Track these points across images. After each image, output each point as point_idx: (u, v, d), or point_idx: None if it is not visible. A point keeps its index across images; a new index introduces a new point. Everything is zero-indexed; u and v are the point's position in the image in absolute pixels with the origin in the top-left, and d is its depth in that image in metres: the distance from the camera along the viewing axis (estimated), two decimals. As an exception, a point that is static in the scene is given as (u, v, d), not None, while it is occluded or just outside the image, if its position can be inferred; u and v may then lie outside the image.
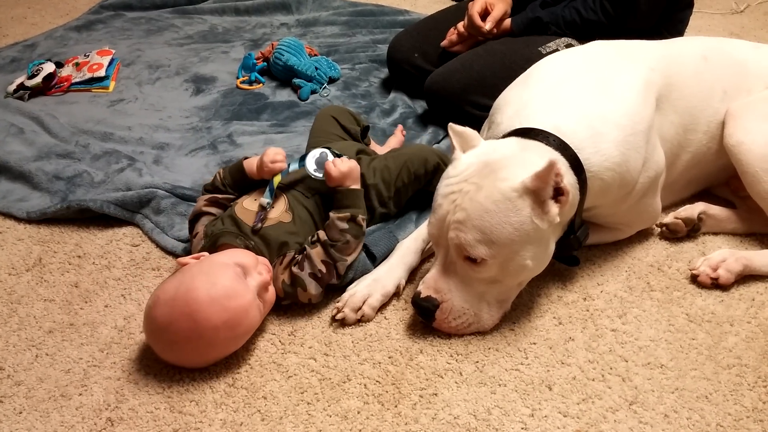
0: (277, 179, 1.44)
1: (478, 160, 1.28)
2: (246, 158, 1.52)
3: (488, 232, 1.22)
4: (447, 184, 1.30)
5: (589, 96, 1.41)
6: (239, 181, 1.51)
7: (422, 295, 1.30)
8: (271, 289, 1.33)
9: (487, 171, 1.25)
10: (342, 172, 1.42)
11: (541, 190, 1.22)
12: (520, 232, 1.22)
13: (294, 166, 1.47)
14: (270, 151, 1.46)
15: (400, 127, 1.95)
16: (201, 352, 1.25)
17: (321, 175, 1.45)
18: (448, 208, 1.26)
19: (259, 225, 1.39)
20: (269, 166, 1.45)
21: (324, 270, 1.36)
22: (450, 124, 1.37)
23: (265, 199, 1.42)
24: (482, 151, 1.31)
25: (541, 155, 1.26)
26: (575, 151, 1.31)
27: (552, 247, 1.31)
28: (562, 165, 1.28)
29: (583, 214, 1.39)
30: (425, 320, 1.33)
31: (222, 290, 1.23)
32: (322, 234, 1.39)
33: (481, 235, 1.22)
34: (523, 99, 1.44)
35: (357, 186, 1.45)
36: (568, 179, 1.28)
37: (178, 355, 1.26)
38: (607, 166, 1.35)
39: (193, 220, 1.49)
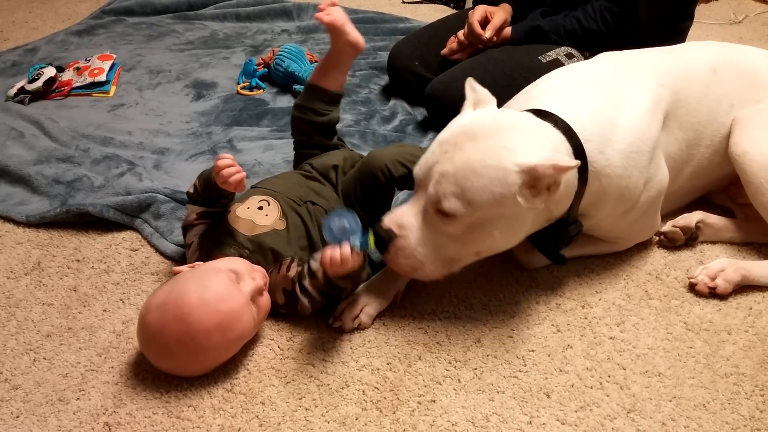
0: (372, 242, 1.31)
1: (486, 118, 1.26)
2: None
3: (468, 191, 1.19)
4: (445, 130, 1.28)
5: (600, 104, 1.38)
6: (207, 184, 1.42)
7: (384, 226, 1.28)
8: (266, 294, 1.33)
9: (491, 133, 1.22)
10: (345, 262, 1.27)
11: (544, 179, 1.19)
12: (499, 203, 1.20)
13: (361, 240, 1.29)
14: (221, 161, 1.37)
15: None
16: (194, 357, 1.24)
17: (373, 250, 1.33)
18: (439, 157, 1.24)
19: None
20: (225, 178, 1.36)
21: (322, 301, 1.35)
22: (469, 78, 1.34)
23: (358, 243, 1.27)
24: (492, 114, 1.28)
25: (547, 134, 1.26)
26: (582, 141, 1.29)
27: (524, 231, 1.29)
28: (564, 150, 1.26)
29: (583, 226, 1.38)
30: (379, 251, 1.30)
31: (213, 293, 1.22)
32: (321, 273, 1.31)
33: (460, 192, 1.20)
34: (531, 95, 1.43)
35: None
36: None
37: (172, 362, 1.25)
38: (609, 171, 1.33)
39: (186, 228, 1.47)
